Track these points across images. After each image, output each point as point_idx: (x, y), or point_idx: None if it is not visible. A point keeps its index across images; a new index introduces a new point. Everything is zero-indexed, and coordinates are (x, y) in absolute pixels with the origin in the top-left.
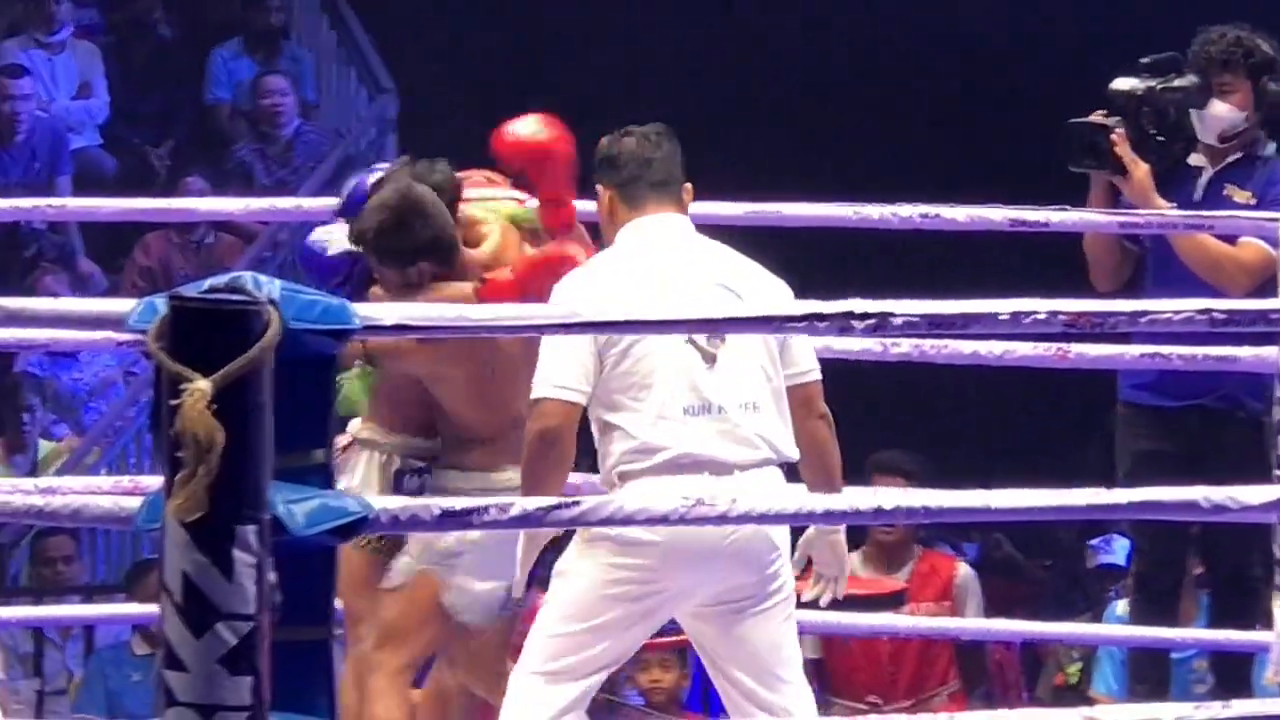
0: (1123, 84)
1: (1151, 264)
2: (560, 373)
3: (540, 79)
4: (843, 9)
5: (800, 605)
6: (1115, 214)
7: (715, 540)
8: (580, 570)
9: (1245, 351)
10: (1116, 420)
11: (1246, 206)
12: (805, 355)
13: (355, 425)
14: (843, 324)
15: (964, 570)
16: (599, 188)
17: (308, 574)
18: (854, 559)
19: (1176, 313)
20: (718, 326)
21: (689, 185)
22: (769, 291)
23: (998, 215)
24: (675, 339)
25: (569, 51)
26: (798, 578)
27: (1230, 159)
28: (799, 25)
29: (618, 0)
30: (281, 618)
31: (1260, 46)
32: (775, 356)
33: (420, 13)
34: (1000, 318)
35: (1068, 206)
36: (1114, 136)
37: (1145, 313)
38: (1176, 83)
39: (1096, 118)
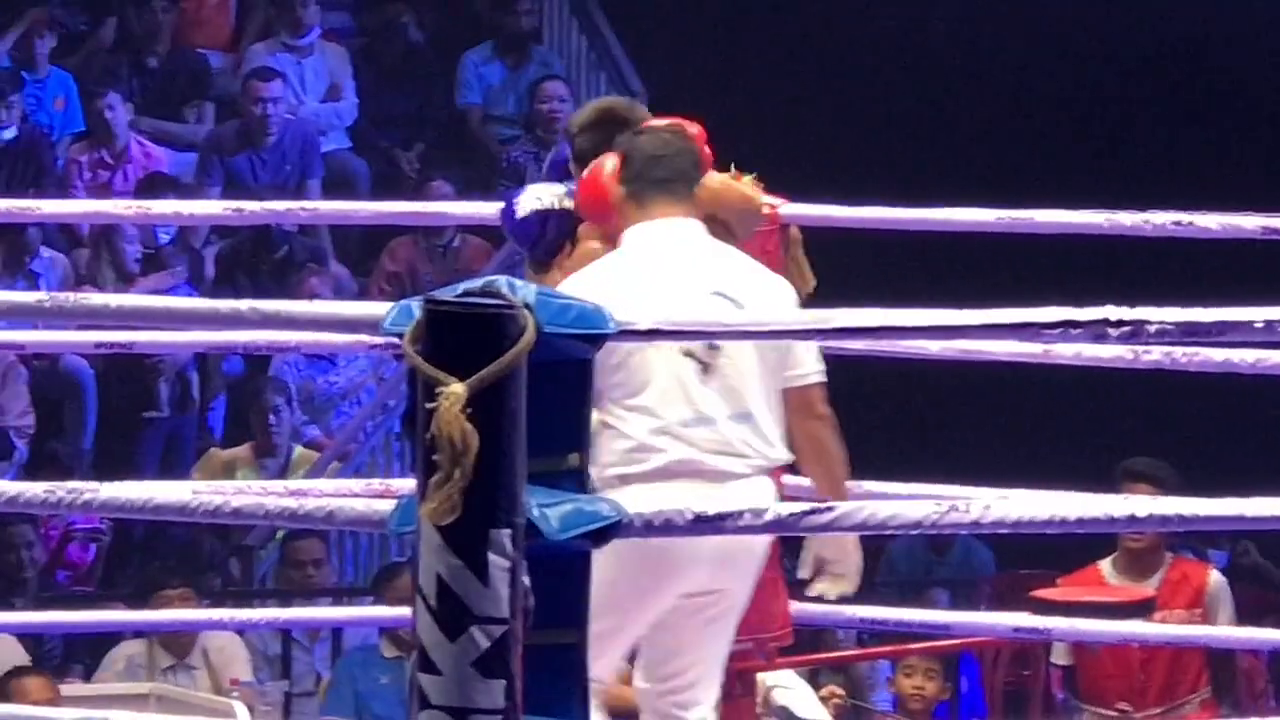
0: None
1: None
2: None
3: (784, 79)
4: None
5: (809, 599)
6: (1259, 218)
7: (717, 544)
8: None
9: None
10: None
11: None
12: (808, 358)
13: None
14: (1098, 331)
15: (1215, 577)
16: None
17: (561, 578)
18: (1104, 566)
19: None
20: (965, 334)
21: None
22: (768, 297)
23: (1250, 224)
24: (672, 348)
25: (813, 55)
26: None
27: None
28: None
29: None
30: (535, 622)
31: None
32: (775, 360)
33: (671, 16)
34: (1255, 326)
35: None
36: None
37: None
38: None
39: None
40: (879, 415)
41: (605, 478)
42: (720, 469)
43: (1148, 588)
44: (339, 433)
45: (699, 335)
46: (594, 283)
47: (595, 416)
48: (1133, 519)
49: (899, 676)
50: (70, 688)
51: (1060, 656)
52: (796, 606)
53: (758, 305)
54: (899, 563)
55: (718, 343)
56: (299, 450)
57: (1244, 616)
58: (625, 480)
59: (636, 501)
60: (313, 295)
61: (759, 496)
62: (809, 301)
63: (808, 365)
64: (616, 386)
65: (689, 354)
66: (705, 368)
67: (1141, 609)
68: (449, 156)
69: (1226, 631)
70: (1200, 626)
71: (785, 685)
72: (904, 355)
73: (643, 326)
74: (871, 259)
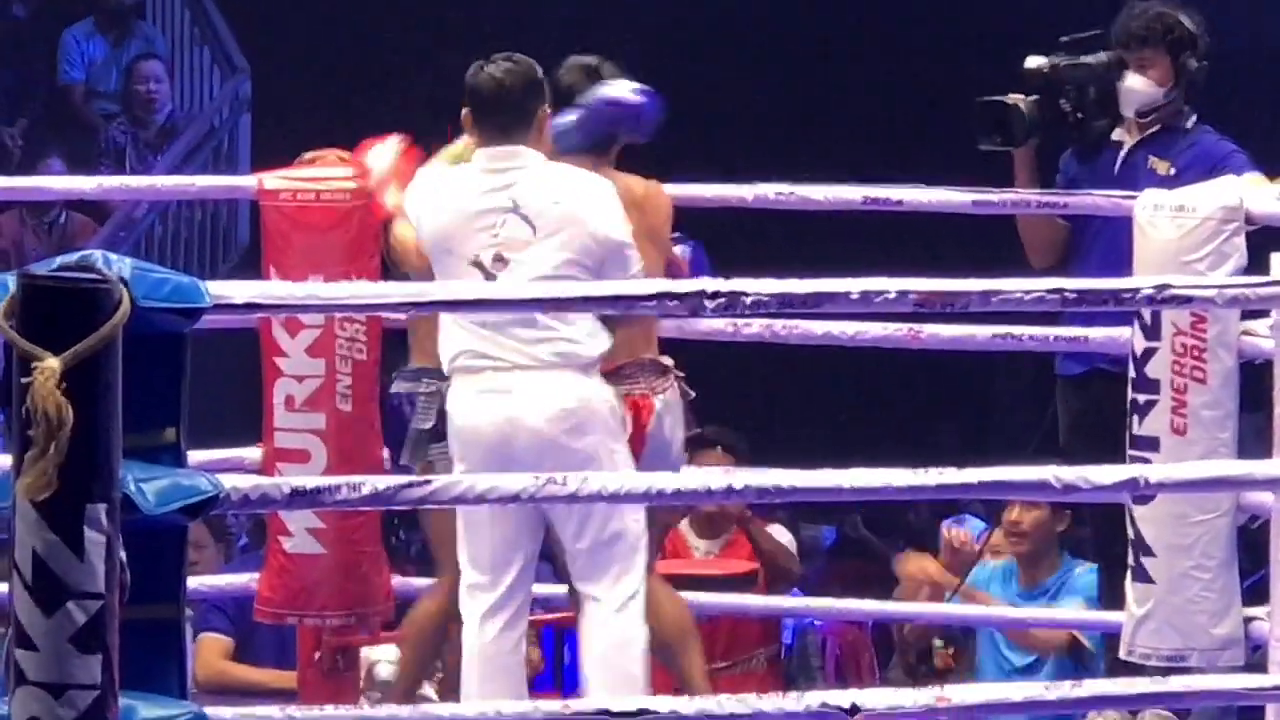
0: (1033, 62)
1: (1079, 241)
2: None
3: (389, 61)
4: None
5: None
6: (969, 192)
7: (504, 436)
8: None
9: (1097, 332)
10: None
11: (1167, 178)
12: (633, 268)
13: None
14: (694, 304)
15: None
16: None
17: (158, 552)
18: (683, 526)
19: (1027, 292)
20: (566, 306)
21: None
22: (569, 210)
23: (854, 194)
24: (462, 259)
25: (421, 37)
26: None
27: (1150, 131)
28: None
29: None
30: (132, 596)
31: (1181, 22)
32: (596, 268)
33: None
34: (851, 297)
35: (922, 185)
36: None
37: (997, 292)
38: (1086, 59)
39: (1013, 97)
40: None
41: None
42: (506, 359)
43: (718, 545)
44: None
45: (297, 309)
46: (423, 190)
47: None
48: (729, 491)
49: None
50: None
51: None
52: (398, 580)
53: (553, 221)
54: None
55: (505, 254)
56: None
57: (848, 588)
58: (450, 372)
59: (455, 391)
60: None
61: (556, 388)
62: None
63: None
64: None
65: (477, 264)
66: (490, 278)
67: (745, 582)
68: (53, 133)
69: (835, 604)
70: (808, 600)
71: (389, 660)
72: None
73: (239, 300)
74: None
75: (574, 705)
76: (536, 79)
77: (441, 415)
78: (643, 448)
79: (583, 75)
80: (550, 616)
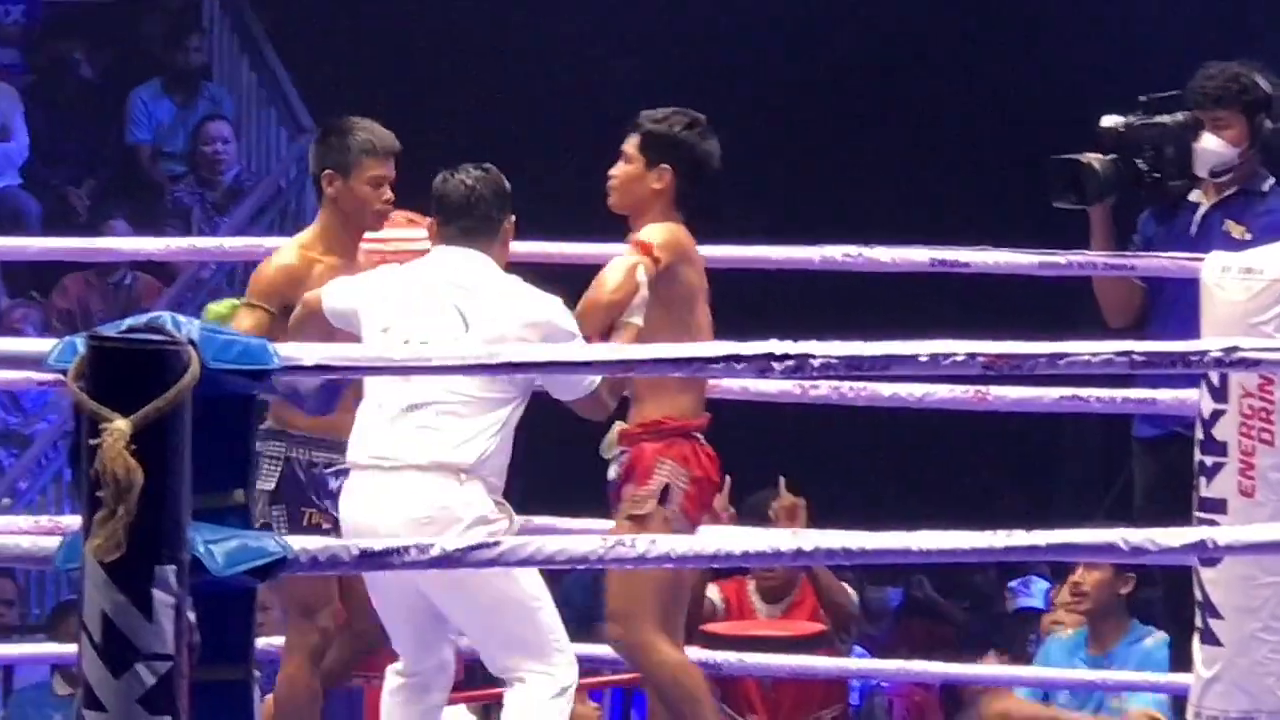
0: (1109, 121)
1: (1158, 302)
2: None
3: (457, 117)
4: None
5: None
6: (1035, 254)
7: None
8: None
9: (1166, 394)
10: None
11: (1242, 242)
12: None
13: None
14: (762, 365)
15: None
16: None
17: (227, 614)
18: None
19: (1095, 354)
20: (633, 368)
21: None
22: (502, 312)
23: (921, 256)
24: (375, 329)
25: (485, 90)
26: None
27: (1227, 193)
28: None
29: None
30: (201, 658)
31: (1257, 83)
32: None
33: (341, 54)
34: (920, 359)
35: (989, 247)
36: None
37: (1064, 355)
38: (1161, 118)
39: (1087, 156)
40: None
41: None
42: (395, 459)
43: (781, 608)
44: (10, 470)
45: (369, 371)
46: (366, 282)
47: None
48: (799, 553)
49: None
50: None
51: None
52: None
53: (486, 319)
54: (572, 595)
55: (422, 340)
56: None
57: (916, 649)
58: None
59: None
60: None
61: (431, 492)
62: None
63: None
64: None
65: (388, 332)
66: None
67: (813, 643)
68: (120, 193)
69: (902, 665)
70: (877, 661)
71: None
72: None
73: (308, 362)
74: None
75: None
76: (504, 190)
77: (283, 479)
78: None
79: (689, 128)
80: (616, 678)
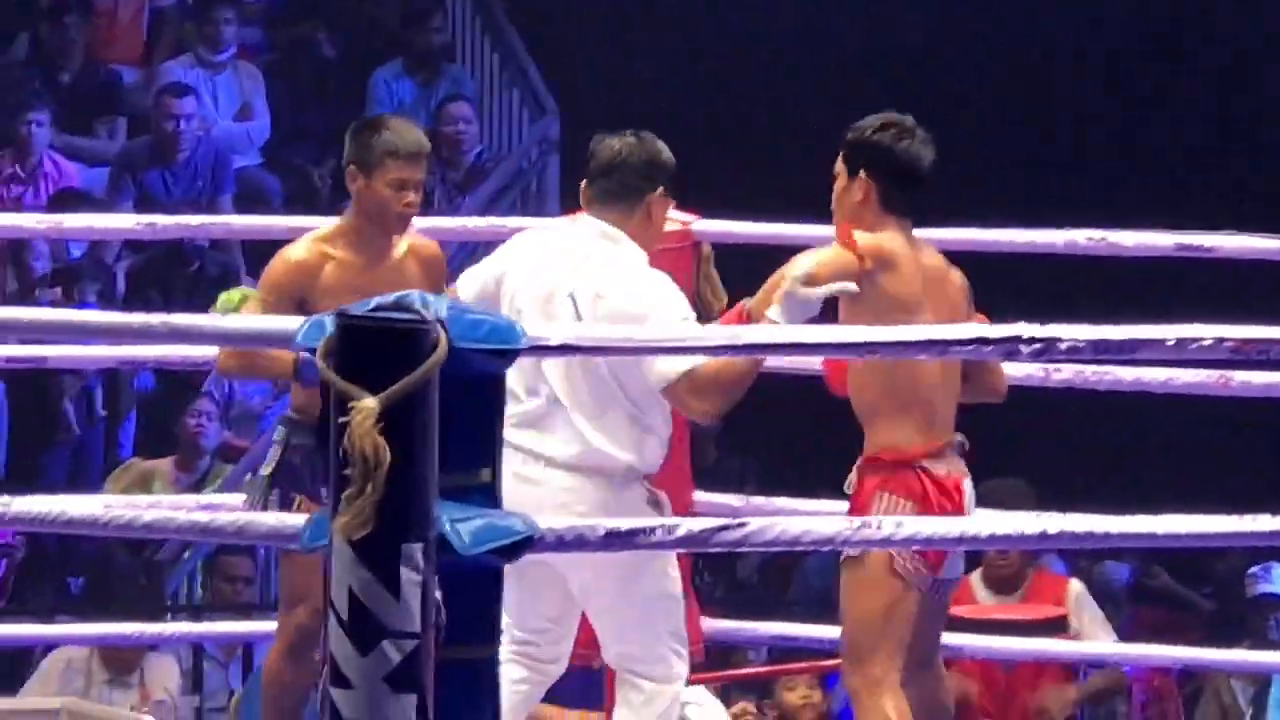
0: None
1: None
2: None
3: (699, 97)
4: None
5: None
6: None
7: None
8: None
9: None
10: None
11: None
12: (660, 361)
13: None
14: (1010, 348)
15: (1075, 586)
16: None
17: (472, 593)
18: (973, 580)
19: None
20: (877, 350)
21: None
22: (626, 301)
23: (1165, 240)
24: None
25: (725, 71)
26: None
27: None
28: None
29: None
30: (447, 637)
31: None
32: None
33: (585, 35)
34: (1167, 343)
35: (1235, 232)
36: None
37: None
38: None
39: None
40: (803, 432)
41: None
42: (530, 449)
43: (1012, 600)
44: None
45: (606, 351)
46: (485, 265)
47: None
48: (1044, 536)
49: (781, 690)
50: None
51: None
52: (708, 624)
53: (604, 310)
54: (812, 579)
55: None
56: (219, 465)
57: (1153, 634)
58: None
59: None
60: None
61: (561, 487)
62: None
63: (663, 366)
64: None
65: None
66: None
67: (1054, 626)
68: None
69: (1139, 649)
70: (1110, 645)
71: (697, 702)
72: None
73: (554, 342)
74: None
75: None
76: (655, 160)
77: (281, 465)
78: None
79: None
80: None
